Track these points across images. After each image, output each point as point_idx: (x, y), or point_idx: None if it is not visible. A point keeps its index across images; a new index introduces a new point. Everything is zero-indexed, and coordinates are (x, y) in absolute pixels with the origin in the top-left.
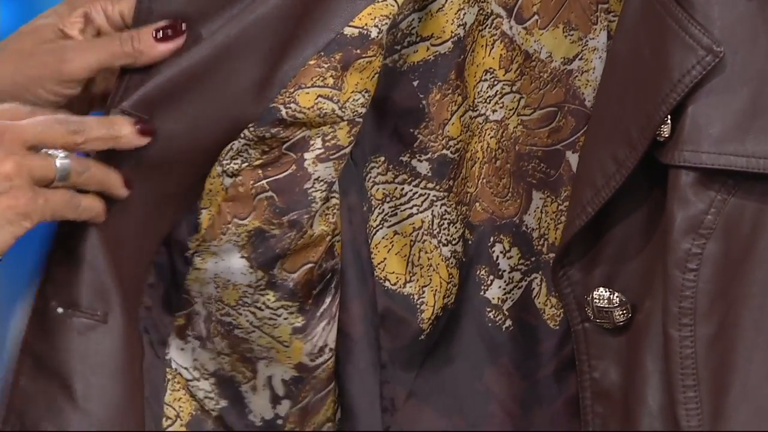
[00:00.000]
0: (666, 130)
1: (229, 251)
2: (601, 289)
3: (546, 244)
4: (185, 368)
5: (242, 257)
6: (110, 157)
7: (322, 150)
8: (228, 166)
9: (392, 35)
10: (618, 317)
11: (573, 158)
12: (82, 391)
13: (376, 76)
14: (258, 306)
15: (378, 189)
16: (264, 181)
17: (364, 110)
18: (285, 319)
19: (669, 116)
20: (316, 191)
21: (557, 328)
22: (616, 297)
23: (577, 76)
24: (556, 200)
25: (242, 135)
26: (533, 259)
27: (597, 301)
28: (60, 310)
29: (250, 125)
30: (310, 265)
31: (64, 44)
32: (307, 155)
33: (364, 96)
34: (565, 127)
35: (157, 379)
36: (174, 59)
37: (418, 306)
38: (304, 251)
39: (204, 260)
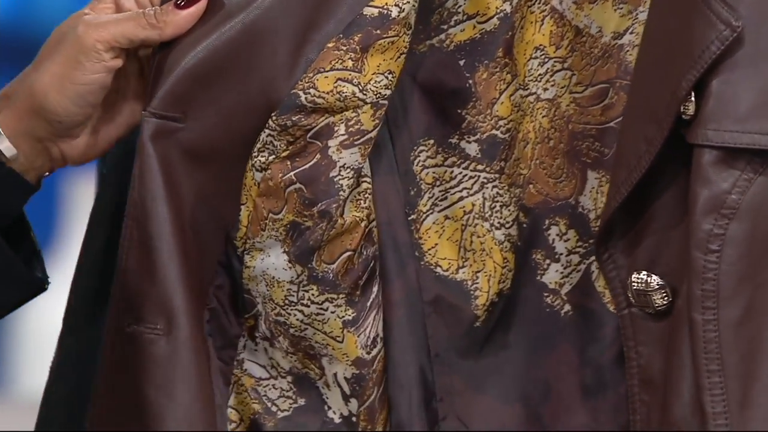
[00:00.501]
0: (690, 108)
1: (272, 247)
2: (643, 272)
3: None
4: (263, 367)
5: (284, 252)
6: (164, 152)
7: (346, 136)
8: (256, 159)
9: (438, 15)
10: (657, 302)
11: None
12: (156, 408)
13: (402, 56)
14: (304, 303)
15: (428, 173)
16: (292, 173)
17: (388, 92)
18: (332, 312)
19: (693, 94)
20: (343, 179)
21: (618, 313)
22: (655, 281)
23: (628, 50)
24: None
25: (267, 125)
26: (591, 241)
27: (635, 284)
28: (129, 327)
29: (274, 114)
30: (348, 254)
31: (87, 20)
32: (331, 142)
33: (387, 77)
34: (618, 103)
35: (223, 384)
36: (197, 47)
37: (471, 292)
38: (339, 240)
39: (253, 258)
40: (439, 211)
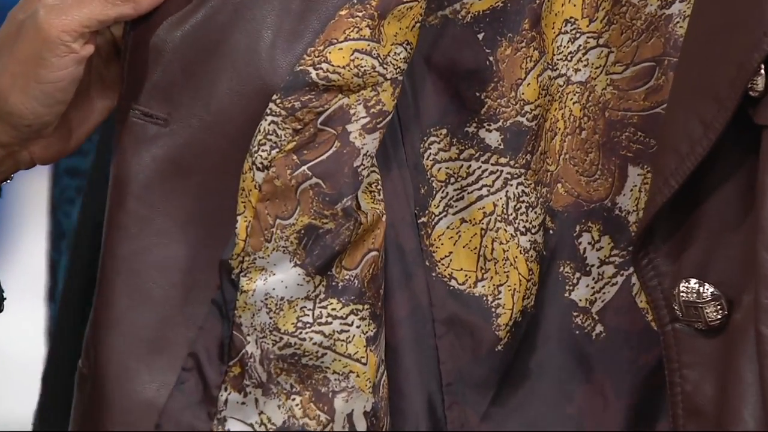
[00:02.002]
0: (760, 83)
1: (279, 261)
2: (692, 280)
3: None
4: (250, 425)
5: (296, 265)
6: (140, 168)
7: (368, 119)
8: (257, 155)
9: None
10: (710, 315)
11: None
12: None
13: (417, 25)
14: (322, 321)
15: (440, 168)
16: (304, 167)
17: (405, 66)
18: (357, 327)
19: (763, 66)
20: (365, 169)
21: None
22: (708, 290)
23: (678, 22)
24: None
25: (268, 110)
26: (630, 248)
27: (684, 294)
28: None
29: (276, 97)
30: (373, 254)
31: (46, 3)
32: (350, 127)
33: (406, 49)
34: (666, 85)
35: None
36: (182, 25)
37: (493, 309)
38: (361, 240)
39: (251, 280)
40: (454, 214)
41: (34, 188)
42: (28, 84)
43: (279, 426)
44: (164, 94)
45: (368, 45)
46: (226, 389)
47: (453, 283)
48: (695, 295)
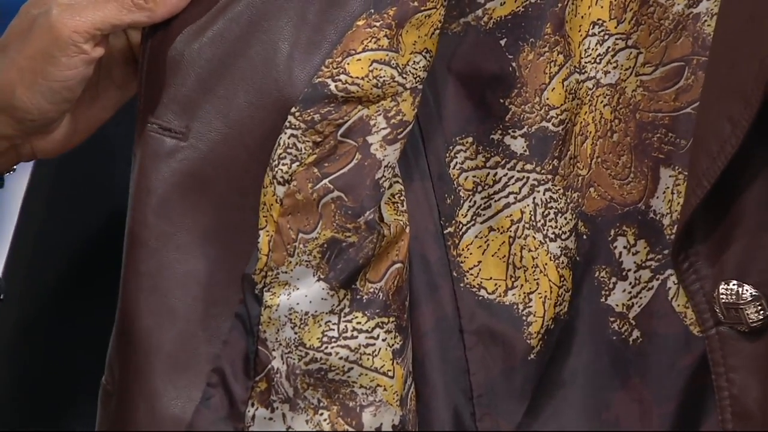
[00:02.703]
0: None
1: (302, 276)
2: (732, 282)
3: None
4: None
5: (319, 279)
6: (159, 182)
7: (389, 129)
8: (277, 170)
9: None
10: (751, 317)
11: None
12: None
13: (437, 32)
14: (347, 335)
15: (467, 177)
16: (326, 181)
17: (425, 75)
18: (383, 341)
19: None
20: (386, 180)
21: (703, 334)
22: (747, 291)
23: (706, 20)
24: None
25: (288, 123)
26: (666, 252)
27: (724, 296)
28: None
29: (295, 110)
30: (397, 266)
31: (61, 1)
32: (371, 139)
33: (425, 58)
34: (696, 84)
35: None
36: (201, 35)
37: (524, 318)
38: (385, 252)
39: (275, 295)
40: (482, 222)
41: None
42: (35, 80)
43: None
44: (182, 107)
45: (387, 55)
46: (253, 405)
47: (482, 293)
48: (735, 296)
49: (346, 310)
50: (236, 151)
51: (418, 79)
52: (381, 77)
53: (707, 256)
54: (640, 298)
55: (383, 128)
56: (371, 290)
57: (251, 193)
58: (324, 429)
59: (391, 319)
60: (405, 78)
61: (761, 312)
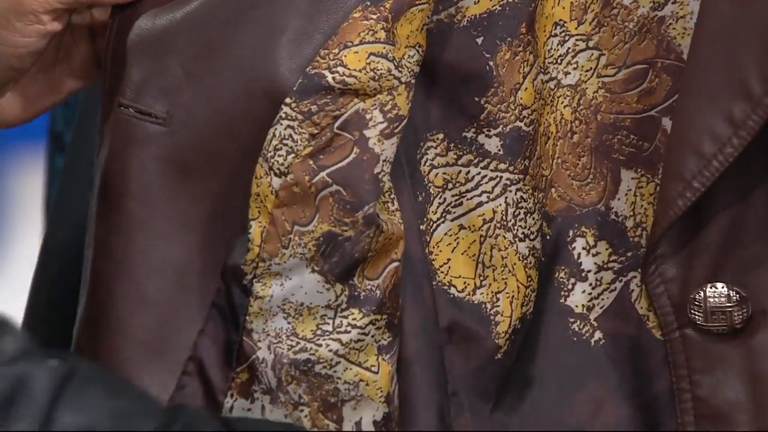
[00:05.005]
0: None
1: (294, 268)
2: (718, 285)
3: (645, 234)
4: None
5: (313, 271)
6: (138, 167)
7: (386, 124)
8: (274, 161)
9: None
10: (737, 318)
11: (670, 125)
12: None
13: (425, 27)
14: (342, 330)
15: (437, 174)
16: (323, 174)
17: (418, 69)
18: (372, 337)
19: None
20: (385, 175)
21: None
22: (735, 293)
23: (671, 23)
24: (653, 179)
25: (283, 114)
26: (629, 254)
27: (712, 299)
28: None
29: (291, 101)
30: (395, 265)
31: None
32: (369, 133)
33: (418, 52)
34: (659, 88)
35: None
36: (173, 11)
37: (492, 317)
38: (385, 250)
39: (266, 285)
40: (452, 220)
41: (29, 189)
42: None
43: None
44: (163, 91)
45: (384, 48)
46: (232, 396)
47: (452, 290)
48: (725, 299)
49: (343, 305)
50: (222, 139)
51: (412, 73)
52: (378, 70)
53: (675, 259)
54: (602, 299)
55: (380, 122)
56: (368, 287)
57: (236, 182)
58: (304, 425)
59: (384, 317)
60: (401, 72)
61: (745, 313)
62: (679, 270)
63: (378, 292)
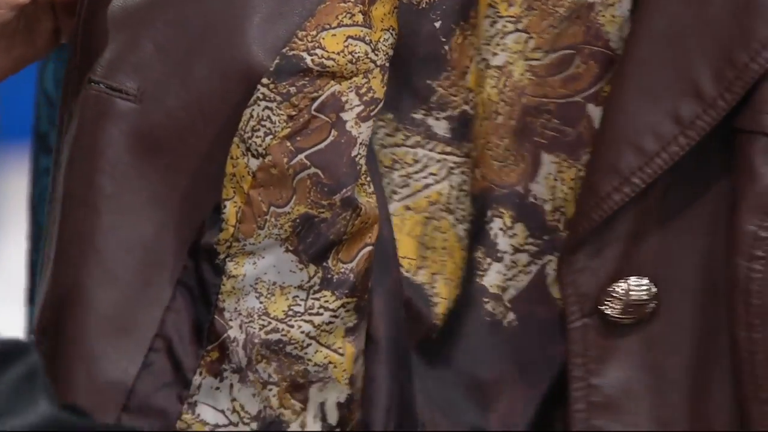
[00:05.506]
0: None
1: (268, 247)
2: (635, 278)
3: (563, 219)
4: (221, 411)
5: (287, 251)
6: (108, 143)
7: (362, 107)
8: (251, 141)
9: None
10: (648, 310)
11: (596, 112)
12: None
13: (396, 10)
14: (314, 311)
15: (386, 153)
16: (301, 156)
17: (392, 53)
18: (341, 319)
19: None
20: (362, 158)
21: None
22: (647, 286)
23: (600, 11)
24: (575, 165)
25: (260, 95)
26: (546, 237)
27: (633, 292)
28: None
29: (268, 81)
30: (369, 249)
31: None
32: (346, 116)
33: (393, 35)
34: (586, 74)
35: None
36: None
37: (430, 298)
38: (360, 234)
39: (239, 264)
40: (399, 200)
41: (14, 188)
42: None
43: (254, 415)
44: (134, 68)
45: (361, 31)
46: (200, 374)
47: (402, 270)
48: (645, 292)
49: (316, 287)
50: (194, 117)
51: (387, 56)
52: (356, 53)
53: (589, 250)
54: (517, 281)
55: (356, 105)
56: (342, 270)
57: (208, 160)
58: (272, 404)
59: (354, 299)
60: (377, 55)
61: (654, 305)
62: (591, 260)
63: (351, 275)
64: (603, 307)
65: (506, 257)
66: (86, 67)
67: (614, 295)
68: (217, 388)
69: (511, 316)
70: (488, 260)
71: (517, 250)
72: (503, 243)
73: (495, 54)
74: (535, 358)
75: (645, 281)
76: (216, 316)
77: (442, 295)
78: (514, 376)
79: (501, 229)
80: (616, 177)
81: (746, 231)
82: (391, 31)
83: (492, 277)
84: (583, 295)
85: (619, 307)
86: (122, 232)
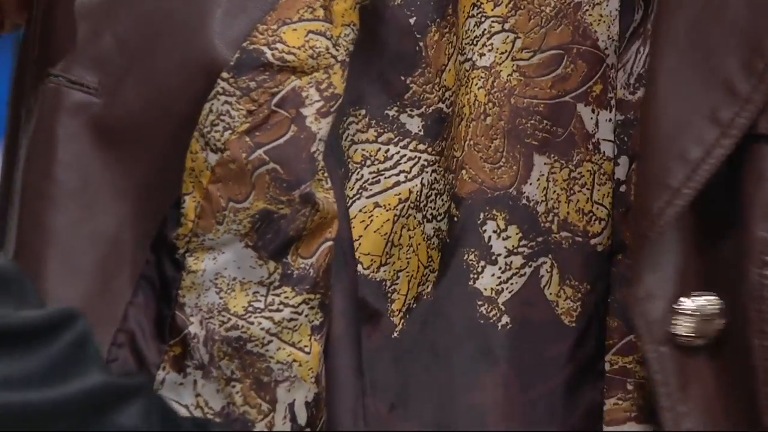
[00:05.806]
0: None
1: (228, 243)
2: (697, 293)
3: (557, 220)
4: (185, 407)
5: (246, 246)
6: (68, 137)
7: (322, 102)
8: (210, 136)
9: None
10: (717, 326)
11: (585, 112)
12: None
13: (358, 6)
14: (274, 308)
15: (356, 150)
16: (260, 151)
17: (352, 48)
18: (306, 316)
19: None
20: (320, 153)
21: (574, 325)
22: (715, 300)
23: (587, 10)
24: (567, 165)
25: (220, 89)
26: (540, 239)
27: (699, 311)
28: None
29: (228, 76)
30: (328, 244)
31: None
32: (306, 111)
33: (353, 30)
34: (575, 74)
35: None
36: None
37: (389, 295)
38: (319, 229)
39: (198, 259)
40: (369, 197)
41: None
42: None
43: (218, 411)
44: (94, 62)
45: (322, 26)
46: (164, 369)
47: (359, 268)
48: (717, 308)
49: (276, 283)
50: (154, 111)
51: (347, 51)
52: (317, 48)
53: (648, 274)
54: (511, 284)
55: (316, 101)
56: (302, 266)
57: (170, 155)
58: (236, 401)
59: (317, 296)
60: (338, 50)
61: (723, 323)
62: (654, 284)
63: (312, 271)
64: (672, 328)
65: (500, 260)
66: (44, 60)
67: (682, 312)
68: (181, 384)
69: (505, 318)
70: (482, 263)
71: (510, 252)
72: (497, 245)
73: (482, 54)
74: (531, 362)
75: (712, 296)
76: (177, 312)
77: (401, 292)
78: (510, 380)
79: (494, 231)
80: (666, 191)
81: (758, 237)
82: (351, 26)
83: (486, 280)
84: (653, 323)
85: (689, 324)
86: (87, 226)
